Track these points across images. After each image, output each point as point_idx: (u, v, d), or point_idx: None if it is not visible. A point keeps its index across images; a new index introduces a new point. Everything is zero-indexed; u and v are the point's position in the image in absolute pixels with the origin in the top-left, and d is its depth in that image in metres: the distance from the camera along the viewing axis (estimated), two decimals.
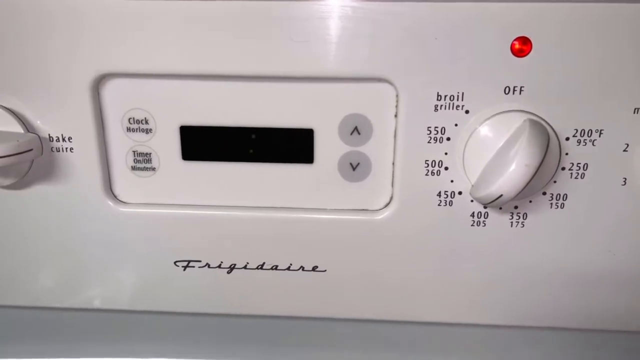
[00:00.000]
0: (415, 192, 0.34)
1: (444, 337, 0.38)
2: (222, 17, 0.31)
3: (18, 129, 0.33)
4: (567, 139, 0.32)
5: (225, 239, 0.36)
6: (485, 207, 0.34)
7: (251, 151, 0.34)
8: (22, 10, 0.31)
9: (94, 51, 0.32)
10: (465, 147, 0.32)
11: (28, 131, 0.33)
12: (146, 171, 0.35)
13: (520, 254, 0.35)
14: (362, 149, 0.34)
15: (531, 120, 0.30)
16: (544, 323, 0.36)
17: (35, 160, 0.34)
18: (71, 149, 0.34)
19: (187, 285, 0.37)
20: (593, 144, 0.32)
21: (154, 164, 0.35)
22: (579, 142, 0.32)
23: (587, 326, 0.36)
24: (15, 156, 0.32)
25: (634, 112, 0.31)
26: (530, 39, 0.30)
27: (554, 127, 0.32)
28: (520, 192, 0.29)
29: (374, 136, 0.33)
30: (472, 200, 0.33)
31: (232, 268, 0.36)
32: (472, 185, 0.32)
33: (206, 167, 0.35)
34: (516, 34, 0.30)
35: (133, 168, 0.35)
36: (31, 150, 0.32)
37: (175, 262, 0.37)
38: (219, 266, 0.36)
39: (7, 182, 0.34)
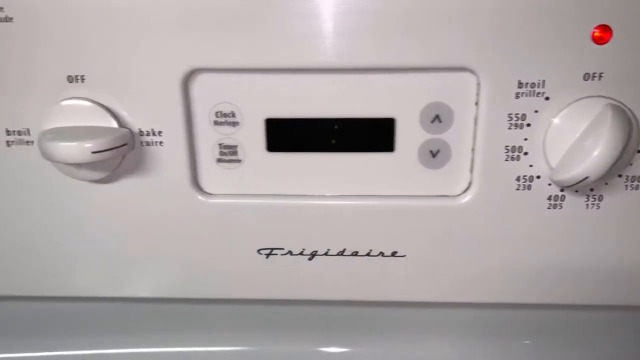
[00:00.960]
0: (495, 177, 0.35)
1: (523, 318, 0.40)
2: (305, 12, 0.32)
3: (112, 124, 0.34)
4: None
5: (308, 227, 0.37)
6: (562, 190, 0.35)
7: (333, 141, 0.36)
8: (117, 10, 0.32)
9: (185, 47, 0.33)
10: (546, 132, 0.33)
11: (121, 126, 0.34)
12: (231, 163, 0.36)
13: (595, 234, 0.36)
14: (442, 136, 0.35)
15: (613, 105, 0.31)
16: (619, 301, 0.38)
17: (127, 154, 0.35)
18: (161, 142, 0.35)
19: (269, 273, 0.38)
20: None
21: (240, 156, 0.36)
22: None
23: None
24: (112, 150, 0.33)
25: None
26: (611, 27, 0.31)
27: (632, 113, 0.33)
28: (605, 173, 0.31)
29: (455, 124, 0.35)
30: (549, 184, 0.35)
31: (313, 255, 0.38)
32: (553, 169, 0.33)
33: (290, 157, 0.36)
34: (597, 22, 0.31)
35: (219, 160, 0.36)
36: (125, 144, 0.34)
37: (258, 251, 0.38)
38: (301, 253, 0.38)
39: (98, 176, 0.35)
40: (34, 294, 0.40)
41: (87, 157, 0.32)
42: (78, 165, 0.34)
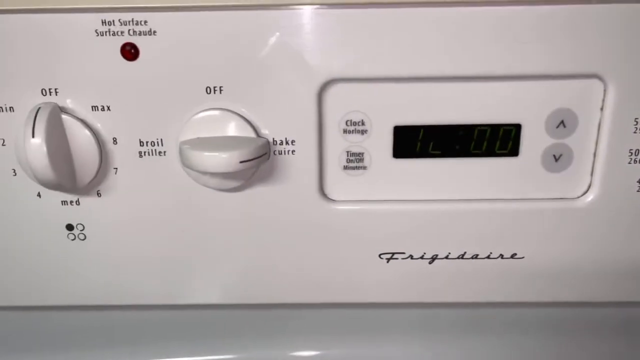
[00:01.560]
0: (616, 180, 0.36)
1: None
2: (434, 21, 0.33)
3: (250, 133, 0.35)
4: None
5: (429, 231, 0.38)
6: None
7: (457, 147, 0.37)
8: (258, 22, 0.33)
9: (324, 59, 0.34)
10: None
11: (258, 136, 0.35)
12: (357, 170, 0.37)
13: None
14: (566, 141, 0.36)
15: None
16: None
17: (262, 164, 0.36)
18: (293, 151, 0.36)
19: (389, 277, 0.39)
20: None
21: (366, 163, 0.37)
22: None
23: None
24: (256, 160, 0.33)
25: None
26: None
27: None
28: None
29: (578, 129, 0.36)
30: None
31: (434, 258, 0.39)
32: None
33: (414, 163, 0.37)
34: None
35: (345, 167, 0.37)
36: (265, 154, 0.34)
37: (379, 255, 0.39)
38: (422, 257, 0.39)
39: (234, 184, 0.36)
40: (161, 302, 0.40)
41: (235, 166, 0.32)
42: (219, 174, 0.35)
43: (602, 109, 0.35)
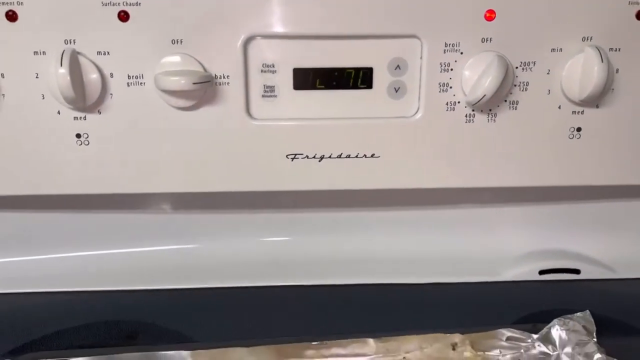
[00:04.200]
0: (433, 104, 0.57)
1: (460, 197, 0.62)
2: (319, 2, 0.54)
3: (200, 69, 0.54)
4: (517, 67, 0.57)
5: (319, 138, 0.58)
6: (473, 110, 0.58)
7: (334, 83, 0.57)
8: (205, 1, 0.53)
9: (247, 21, 0.54)
10: (462, 73, 0.56)
11: (206, 71, 0.55)
12: (271, 97, 0.57)
13: (494, 137, 0.59)
14: (402, 78, 0.57)
15: (498, 55, 0.55)
16: (510, 183, 0.61)
17: (207, 89, 0.55)
18: (228, 83, 0.56)
19: (293, 172, 0.59)
20: (531, 70, 0.57)
21: (276, 93, 0.57)
22: (523, 69, 0.57)
23: (536, 184, 0.61)
24: (203, 83, 0.53)
25: (551, 51, 0.56)
26: (495, 10, 0.55)
27: (509, 60, 0.56)
28: (494, 94, 0.54)
29: (409, 70, 0.57)
30: (465, 106, 0.58)
31: (322, 158, 0.59)
32: (466, 95, 0.56)
33: (308, 93, 0.57)
34: (487, 7, 0.55)
35: (263, 96, 0.57)
36: (209, 81, 0.54)
37: (287, 156, 0.59)
38: (314, 157, 0.59)
39: (189, 103, 0.55)
40: (141, 191, 0.59)
41: (191, 86, 0.52)
42: (180, 93, 0.54)
43: (421, 57, 0.57)
